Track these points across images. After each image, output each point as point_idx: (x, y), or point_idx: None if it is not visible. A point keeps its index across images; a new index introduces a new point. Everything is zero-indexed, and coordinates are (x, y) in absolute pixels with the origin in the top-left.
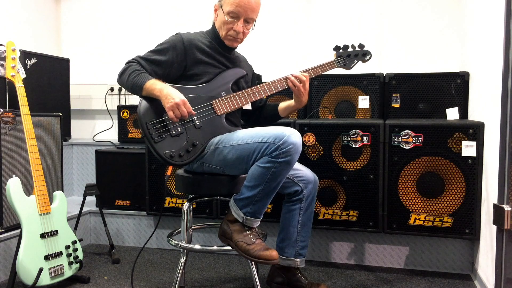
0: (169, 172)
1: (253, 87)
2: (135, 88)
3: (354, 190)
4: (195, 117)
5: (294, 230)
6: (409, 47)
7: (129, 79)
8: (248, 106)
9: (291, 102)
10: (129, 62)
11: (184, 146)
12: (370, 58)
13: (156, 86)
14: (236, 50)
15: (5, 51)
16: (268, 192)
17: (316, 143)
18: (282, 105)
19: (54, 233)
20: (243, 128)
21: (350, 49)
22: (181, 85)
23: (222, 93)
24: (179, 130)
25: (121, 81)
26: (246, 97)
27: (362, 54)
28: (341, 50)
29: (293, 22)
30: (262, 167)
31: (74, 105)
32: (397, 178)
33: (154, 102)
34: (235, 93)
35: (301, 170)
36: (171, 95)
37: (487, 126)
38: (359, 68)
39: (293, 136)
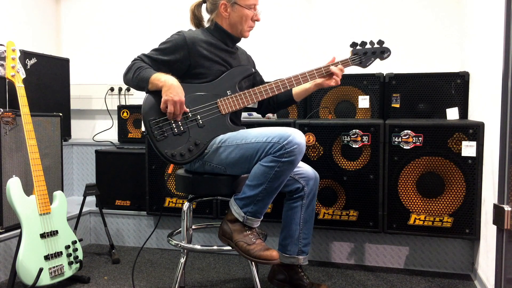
0: (170, 171)
1: (260, 86)
2: (141, 82)
3: (354, 190)
4: (198, 116)
5: (296, 227)
6: (409, 47)
7: (135, 75)
8: (254, 105)
9: (308, 86)
10: (134, 60)
11: (186, 145)
12: (389, 55)
13: (161, 77)
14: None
15: (5, 51)
16: (270, 192)
17: (316, 143)
18: (297, 89)
19: (54, 233)
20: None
21: (368, 45)
22: (186, 83)
23: (228, 92)
24: (182, 129)
25: (127, 79)
26: (252, 96)
27: (381, 52)
28: (358, 47)
29: (291, 19)
30: (266, 166)
31: (74, 105)
32: (397, 178)
33: (158, 100)
34: (241, 92)
35: (301, 167)
36: (174, 89)
37: (487, 126)
38: (358, 68)
39: (297, 136)
